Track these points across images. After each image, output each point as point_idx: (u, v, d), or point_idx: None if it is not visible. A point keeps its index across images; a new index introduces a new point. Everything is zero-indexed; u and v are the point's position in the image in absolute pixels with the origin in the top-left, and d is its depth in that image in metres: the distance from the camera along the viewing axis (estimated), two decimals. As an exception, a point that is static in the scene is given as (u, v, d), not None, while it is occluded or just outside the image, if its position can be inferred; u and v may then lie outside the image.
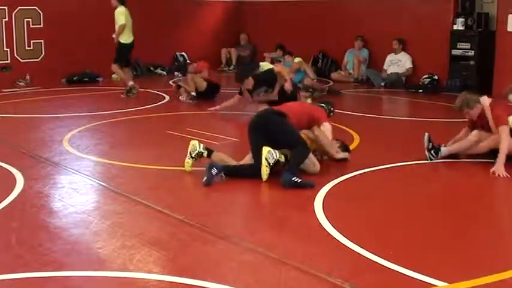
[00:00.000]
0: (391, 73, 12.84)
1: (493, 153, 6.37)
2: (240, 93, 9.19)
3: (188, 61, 14.05)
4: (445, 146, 6.55)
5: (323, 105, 6.74)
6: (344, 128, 7.98)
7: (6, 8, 12.42)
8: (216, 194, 5.46)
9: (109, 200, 5.26)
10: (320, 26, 14.13)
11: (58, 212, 4.95)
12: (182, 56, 14.93)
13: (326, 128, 6.12)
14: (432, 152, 6.52)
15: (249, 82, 8.98)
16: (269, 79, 8.99)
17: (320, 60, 14.29)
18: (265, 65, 9.25)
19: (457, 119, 9.05)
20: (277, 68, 8.87)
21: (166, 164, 6.33)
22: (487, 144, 6.38)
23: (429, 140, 6.56)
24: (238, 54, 15.67)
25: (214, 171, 5.57)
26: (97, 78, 13.39)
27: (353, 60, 13.48)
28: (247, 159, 5.97)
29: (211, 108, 9.26)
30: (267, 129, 5.82)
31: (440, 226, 4.65)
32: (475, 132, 6.50)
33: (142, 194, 5.26)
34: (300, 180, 5.45)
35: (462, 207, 5.17)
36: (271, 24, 15.21)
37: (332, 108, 6.78)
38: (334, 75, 13.72)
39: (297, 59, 12.39)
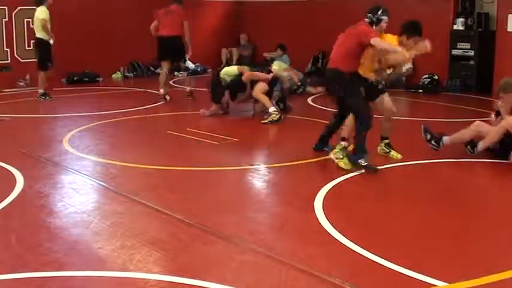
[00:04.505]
0: (391, 73, 12.80)
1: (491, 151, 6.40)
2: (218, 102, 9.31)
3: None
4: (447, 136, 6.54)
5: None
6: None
7: (6, 8, 12.42)
8: (216, 194, 5.46)
9: (109, 200, 5.26)
10: (320, 26, 14.11)
11: (58, 212, 4.94)
12: (182, 55, 14.91)
13: (377, 42, 6.26)
14: (433, 142, 6.51)
15: (226, 96, 9.24)
16: (238, 83, 9.11)
17: (320, 60, 14.29)
18: (229, 70, 9.39)
19: (457, 118, 9.08)
20: (244, 73, 9.03)
21: (166, 164, 6.33)
22: (498, 131, 6.30)
23: (426, 131, 6.55)
24: (240, 54, 15.69)
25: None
26: (97, 78, 13.40)
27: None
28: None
29: (201, 111, 9.26)
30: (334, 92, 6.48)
31: (440, 226, 4.64)
32: (477, 122, 6.50)
33: (142, 194, 5.25)
34: (364, 163, 5.92)
35: (462, 207, 5.17)
36: (271, 24, 15.21)
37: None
38: (334, 75, 13.70)
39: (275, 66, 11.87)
